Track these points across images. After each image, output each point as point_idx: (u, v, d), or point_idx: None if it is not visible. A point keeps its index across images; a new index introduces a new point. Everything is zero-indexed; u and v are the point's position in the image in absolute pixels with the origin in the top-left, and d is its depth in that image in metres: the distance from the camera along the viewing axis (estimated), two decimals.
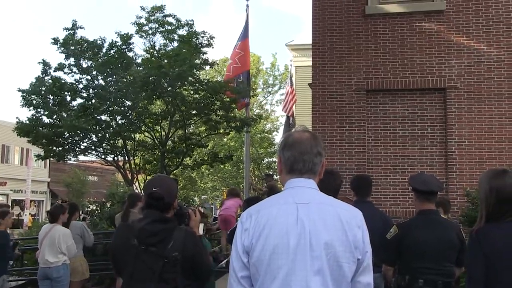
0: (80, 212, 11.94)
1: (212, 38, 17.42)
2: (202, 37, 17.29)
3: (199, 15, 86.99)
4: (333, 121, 11.62)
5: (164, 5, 17.51)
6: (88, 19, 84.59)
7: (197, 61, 16.76)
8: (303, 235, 2.26)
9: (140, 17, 17.52)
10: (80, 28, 16.90)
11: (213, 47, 17.63)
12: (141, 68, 16.61)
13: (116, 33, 17.03)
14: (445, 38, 11.39)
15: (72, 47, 16.56)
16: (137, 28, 17.49)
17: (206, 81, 17.37)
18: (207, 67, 19.16)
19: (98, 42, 16.92)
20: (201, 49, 17.23)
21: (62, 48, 16.65)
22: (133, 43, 17.21)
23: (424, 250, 4.40)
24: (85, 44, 16.70)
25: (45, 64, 16.83)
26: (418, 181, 4.62)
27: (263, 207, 2.40)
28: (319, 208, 2.33)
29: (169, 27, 17.36)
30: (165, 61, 16.06)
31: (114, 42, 16.88)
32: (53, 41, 16.67)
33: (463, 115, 11.14)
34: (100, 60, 16.54)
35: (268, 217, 2.33)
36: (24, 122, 16.30)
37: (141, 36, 17.67)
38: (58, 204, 8.86)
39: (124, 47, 16.95)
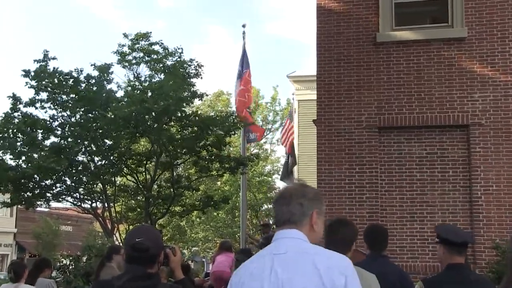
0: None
1: (200, 66, 17.58)
2: (189, 65, 17.45)
3: (193, 47, 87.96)
4: (341, 163, 11.61)
5: (150, 32, 17.68)
6: (68, 48, 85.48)
7: (185, 93, 16.85)
8: (276, 285, 2.56)
9: (123, 45, 17.69)
10: (53, 59, 16.93)
11: (201, 77, 17.81)
12: (123, 102, 16.67)
13: (92, 65, 17.06)
14: (467, 69, 11.48)
15: (45, 81, 16.57)
16: (120, 57, 17.63)
17: (194, 114, 17.44)
18: (197, 101, 19.35)
19: (74, 74, 16.94)
20: (189, 79, 17.35)
21: (34, 82, 16.63)
22: (112, 72, 17.31)
23: None
24: (59, 77, 16.72)
25: (15, 98, 16.78)
26: (449, 231, 4.58)
27: (246, 262, 2.81)
28: (294, 257, 2.61)
29: (155, 56, 17.52)
30: (150, 94, 16.17)
31: (89, 75, 16.92)
32: (24, 73, 16.63)
33: (489, 156, 11.12)
34: (76, 94, 16.57)
35: (246, 272, 2.72)
36: None
37: (124, 67, 17.81)
38: (18, 260, 8.76)
39: (102, 79, 17.03)
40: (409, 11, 12.49)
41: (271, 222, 23.68)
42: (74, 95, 16.64)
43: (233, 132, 17.96)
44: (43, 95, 16.87)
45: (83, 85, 16.89)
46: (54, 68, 16.83)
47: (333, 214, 10.98)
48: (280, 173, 39.10)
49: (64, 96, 16.82)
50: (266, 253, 2.71)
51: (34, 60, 16.77)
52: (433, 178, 11.39)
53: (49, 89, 16.63)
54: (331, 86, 11.97)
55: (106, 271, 7.44)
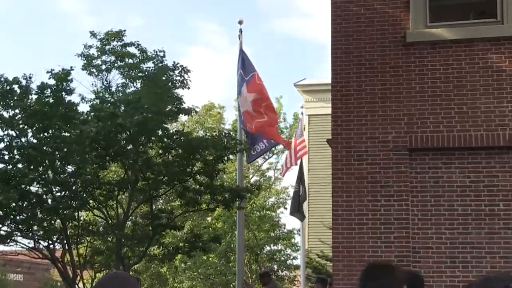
0: None
1: (186, 72, 17.57)
2: (173, 70, 17.43)
3: (184, 49, 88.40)
4: (362, 193, 11.53)
5: (124, 31, 17.69)
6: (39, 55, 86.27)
7: (168, 107, 16.85)
8: None
9: (90, 47, 17.69)
10: None
11: (188, 87, 17.78)
12: (89, 118, 16.62)
13: (48, 72, 16.88)
14: None
15: None
16: (86, 62, 17.63)
17: (179, 133, 17.41)
18: (183, 116, 19.34)
19: (22, 82, 16.79)
20: (173, 89, 17.36)
21: None
22: (71, 80, 17.15)
23: None
24: (3, 86, 16.54)
25: None
26: (497, 282, 4.52)
27: None
28: None
29: (131, 60, 17.52)
30: (123, 108, 16.13)
31: (44, 84, 16.76)
32: None
33: None
34: (26, 108, 16.44)
35: None
36: None
37: (91, 73, 17.80)
38: None
39: (61, 88, 16.90)
40: (447, 3, 12.51)
41: (268, 270, 23.40)
42: (22, 109, 16.50)
43: (226, 158, 17.94)
44: None
45: (35, 96, 16.79)
46: None
47: (352, 258, 10.88)
48: (286, 206, 39.14)
49: (10, 111, 16.70)
50: None
51: None
52: (479, 213, 11.29)
53: None
54: (349, 98, 11.93)
55: None
